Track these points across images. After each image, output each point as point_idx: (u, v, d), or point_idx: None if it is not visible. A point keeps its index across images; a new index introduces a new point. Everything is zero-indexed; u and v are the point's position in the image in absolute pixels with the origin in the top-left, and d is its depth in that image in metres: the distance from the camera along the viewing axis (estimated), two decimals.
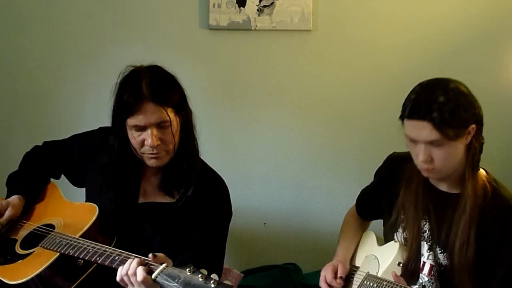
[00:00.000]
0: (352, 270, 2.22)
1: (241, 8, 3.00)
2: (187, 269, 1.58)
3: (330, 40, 3.04)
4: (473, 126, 1.91)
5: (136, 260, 1.72)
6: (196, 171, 2.07)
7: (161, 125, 1.95)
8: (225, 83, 3.10)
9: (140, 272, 1.67)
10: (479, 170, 2.00)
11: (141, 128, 1.94)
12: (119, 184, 2.07)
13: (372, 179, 2.35)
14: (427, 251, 2.05)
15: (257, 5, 3.00)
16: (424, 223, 2.06)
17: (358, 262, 2.26)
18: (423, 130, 1.85)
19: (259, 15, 3.00)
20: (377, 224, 2.36)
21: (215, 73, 3.10)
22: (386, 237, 2.22)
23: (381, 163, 2.33)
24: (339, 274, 2.15)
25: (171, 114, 1.95)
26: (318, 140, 3.10)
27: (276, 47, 3.06)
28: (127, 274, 1.71)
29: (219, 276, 2.15)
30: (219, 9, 3.00)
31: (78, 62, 3.11)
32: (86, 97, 3.08)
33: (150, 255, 1.73)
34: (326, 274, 2.16)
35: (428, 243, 2.05)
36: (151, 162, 2.01)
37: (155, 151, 1.97)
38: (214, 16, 3.01)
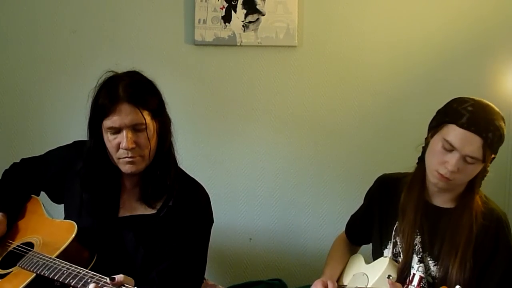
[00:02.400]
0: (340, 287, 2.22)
1: (227, 24, 3.01)
2: None
3: (315, 56, 3.05)
4: (494, 155, 1.99)
5: None
6: (171, 177, 2.06)
7: (136, 128, 1.94)
8: (210, 98, 3.10)
9: None
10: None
11: (117, 131, 1.94)
12: (96, 189, 2.06)
13: (357, 195, 2.37)
14: (417, 263, 2.07)
15: (243, 21, 3.01)
16: (416, 236, 2.09)
17: (345, 282, 2.25)
18: (473, 144, 1.90)
19: (244, 31, 3.02)
20: (365, 249, 2.37)
21: (201, 88, 3.09)
22: (375, 256, 2.24)
23: (366, 180, 2.35)
24: None
25: (147, 118, 1.95)
26: (303, 156, 3.10)
27: (261, 62, 3.07)
28: None
29: (201, 284, 2.16)
30: (205, 24, 3.01)
31: (62, 78, 3.10)
32: (71, 112, 3.07)
33: (108, 279, 1.73)
34: None
35: (419, 256, 2.07)
36: (126, 168, 1.99)
37: (130, 155, 1.95)
38: (200, 31, 3.02)
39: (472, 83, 2.95)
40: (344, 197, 3.07)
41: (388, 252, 2.15)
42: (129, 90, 1.93)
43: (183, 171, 2.19)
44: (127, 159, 1.97)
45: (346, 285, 2.21)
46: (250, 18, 3.01)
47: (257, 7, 3.00)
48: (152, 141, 1.99)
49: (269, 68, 3.07)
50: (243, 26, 3.01)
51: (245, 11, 3.00)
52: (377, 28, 3.02)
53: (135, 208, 2.09)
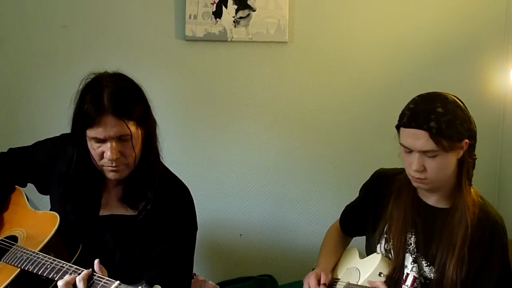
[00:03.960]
0: (333, 281, 2.22)
1: (217, 19, 3.01)
2: (139, 287, 1.59)
3: (305, 52, 3.05)
4: (466, 141, 1.95)
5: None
6: (154, 187, 2.03)
7: (121, 138, 1.91)
8: (201, 94, 3.10)
9: None
10: (471, 185, 2.05)
11: (101, 141, 1.90)
12: (78, 196, 2.04)
13: (347, 191, 2.37)
14: (411, 263, 2.07)
15: (233, 17, 3.00)
16: (410, 235, 2.08)
17: (339, 275, 2.26)
18: (419, 139, 1.89)
19: (235, 26, 3.01)
20: (359, 242, 2.37)
21: (191, 84, 3.09)
22: (368, 250, 2.24)
23: (357, 176, 2.35)
24: (322, 281, 2.14)
25: (132, 127, 1.91)
26: (294, 152, 3.10)
27: (252, 58, 3.06)
28: None
29: None
30: (196, 20, 3.01)
31: (52, 72, 3.09)
32: (61, 107, 3.03)
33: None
34: (309, 281, 2.16)
35: (413, 256, 2.07)
36: (110, 175, 1.97)
37: (114, 164, 1.93)
38: (190, 27, 3.01)
39: (463, 80, 2.96)
40: (334, 193, 3.07)
41: (381, 247, 2.15)
42: (113, 100, 1.87)
43: (169, 172, 2.16)
44: (110, 168, 1.95)
45: (339, 279, 2.22)
46: (241, 13, 3.00)
47: (248, 2, 2.99)
48: (137, 149, 1.96)
49: (259, 63, 3.07)
50: (234, 21, 3.01)
51: (236, 7, 3.00)
52: (368, 24, 3.02)
53: (116, 207, 2.06)
